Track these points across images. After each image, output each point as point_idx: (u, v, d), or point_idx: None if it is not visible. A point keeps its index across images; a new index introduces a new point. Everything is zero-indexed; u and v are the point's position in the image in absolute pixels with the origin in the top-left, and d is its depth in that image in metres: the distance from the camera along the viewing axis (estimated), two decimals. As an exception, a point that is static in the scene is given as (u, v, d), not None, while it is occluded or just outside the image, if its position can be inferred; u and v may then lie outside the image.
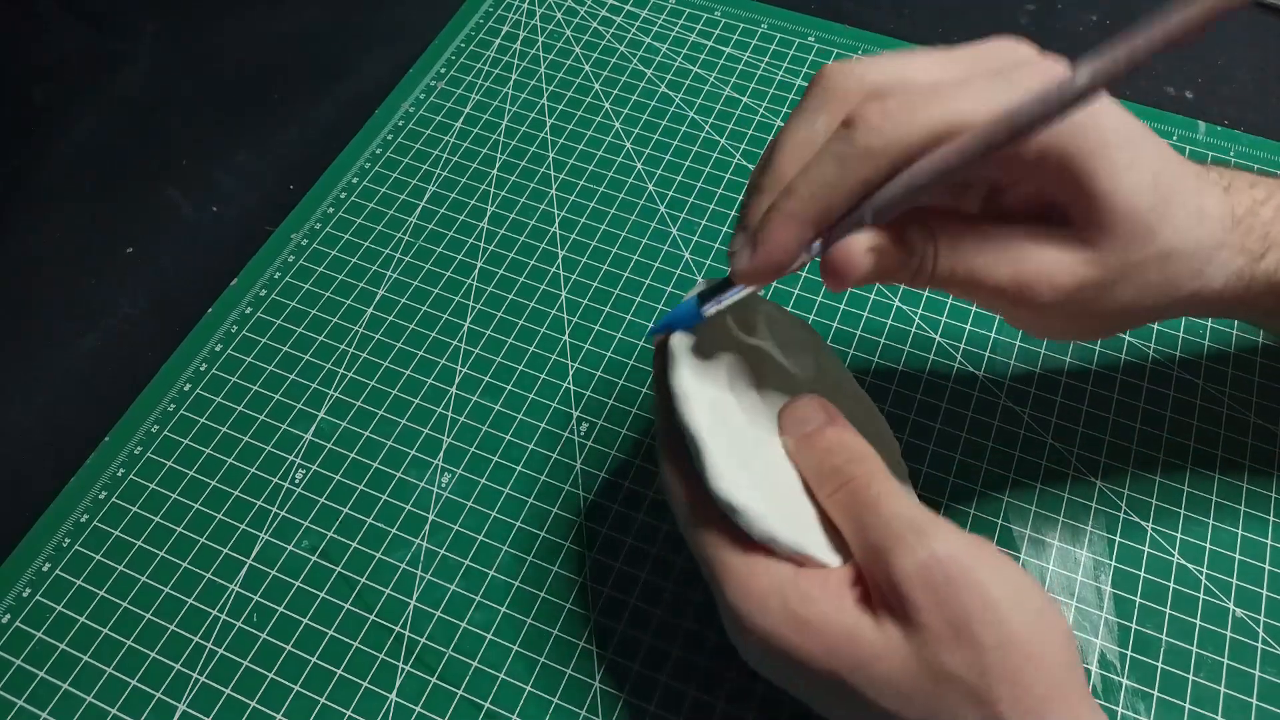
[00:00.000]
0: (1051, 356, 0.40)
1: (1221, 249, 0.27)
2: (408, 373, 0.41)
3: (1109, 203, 0.25)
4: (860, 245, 0.25)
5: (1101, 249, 0.26)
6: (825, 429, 0.28)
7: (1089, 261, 0.26)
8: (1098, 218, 0.25)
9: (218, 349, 0.42)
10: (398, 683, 0.34)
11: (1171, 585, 0.35)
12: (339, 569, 0.36)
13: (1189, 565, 0.36)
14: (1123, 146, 0.25)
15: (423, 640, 0.35)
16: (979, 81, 0.24)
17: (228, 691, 0.34)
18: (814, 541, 0.27)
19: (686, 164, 0.47)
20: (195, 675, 0.34)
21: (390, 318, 0.43)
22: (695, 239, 0.45)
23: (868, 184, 0.24)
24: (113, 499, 0.38)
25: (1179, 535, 0.36)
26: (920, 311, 0.42)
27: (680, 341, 0.29)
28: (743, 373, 0.30)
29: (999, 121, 0.23)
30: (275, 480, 0.39)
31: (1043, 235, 0.26)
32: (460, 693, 0.34)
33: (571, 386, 0.40)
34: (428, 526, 0.37)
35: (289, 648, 0.35)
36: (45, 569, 0.37)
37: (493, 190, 0.47)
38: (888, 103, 0.24)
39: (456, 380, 0.41)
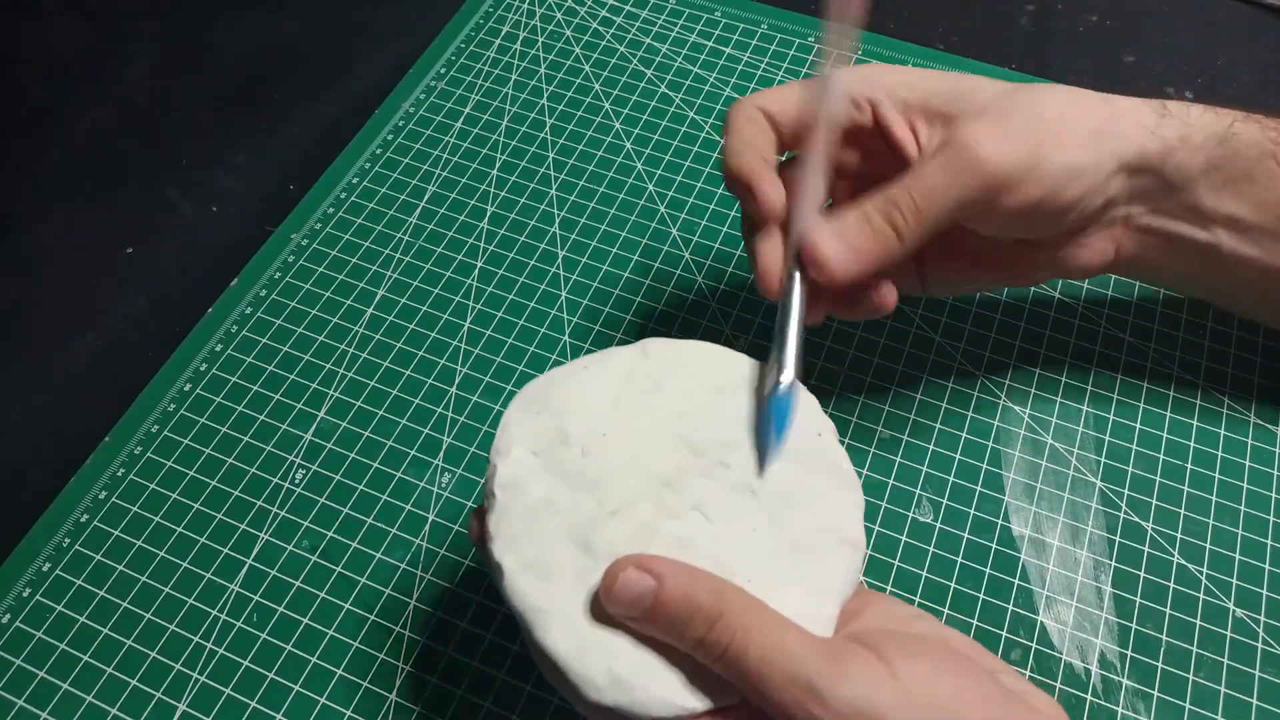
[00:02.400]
0: (1051, 357, 0.40)
1: (1127, 117, 0.34)
2: (408, 373, 0.41)
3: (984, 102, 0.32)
4: (825, 235, 0.30)
5: (1012, 124, 0.31)
6: (662, 599, 0.24)
7: (1011, 135, 0.31)
8: (988, 101, 0.32)
9: (218, 349, 0.42)
10: (398, 683, 0.34)
11: (1171, 585, 0.35)
12: (339, 569, 0.36)
13: (1189, 565, 0.36)
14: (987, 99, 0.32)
15: (422, 640, 0.35)
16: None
17: (228, 691, 0.34)
18: (682, 698, 0.24)
19: (686, 164, 0.47)
20: (195, 675, 0.34)
21: (390, 318, 0.43)
22: (695, 239, 0.45)
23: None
24: (113, 499, 0.38)
25: (1179, 535, 0.36)
26: (920, 312, 0.42)
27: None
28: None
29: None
30: (275, 480, 0.39)
31: (969, 130, 0.31)
32: (460, 693, 0.34)
33: (571, 386, 0.40)
34: (428, 526, 0.37)
35: (289, 648, 0.35)
36: (45, 569, 0.37)
37: (493, 190, 0.47)
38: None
39: (456, 380, 0.41)
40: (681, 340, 0.30)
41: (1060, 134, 0.32)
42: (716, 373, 0.29)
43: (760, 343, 0.41)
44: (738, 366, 0.29)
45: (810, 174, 0.31)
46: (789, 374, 0.28)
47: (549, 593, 0.25)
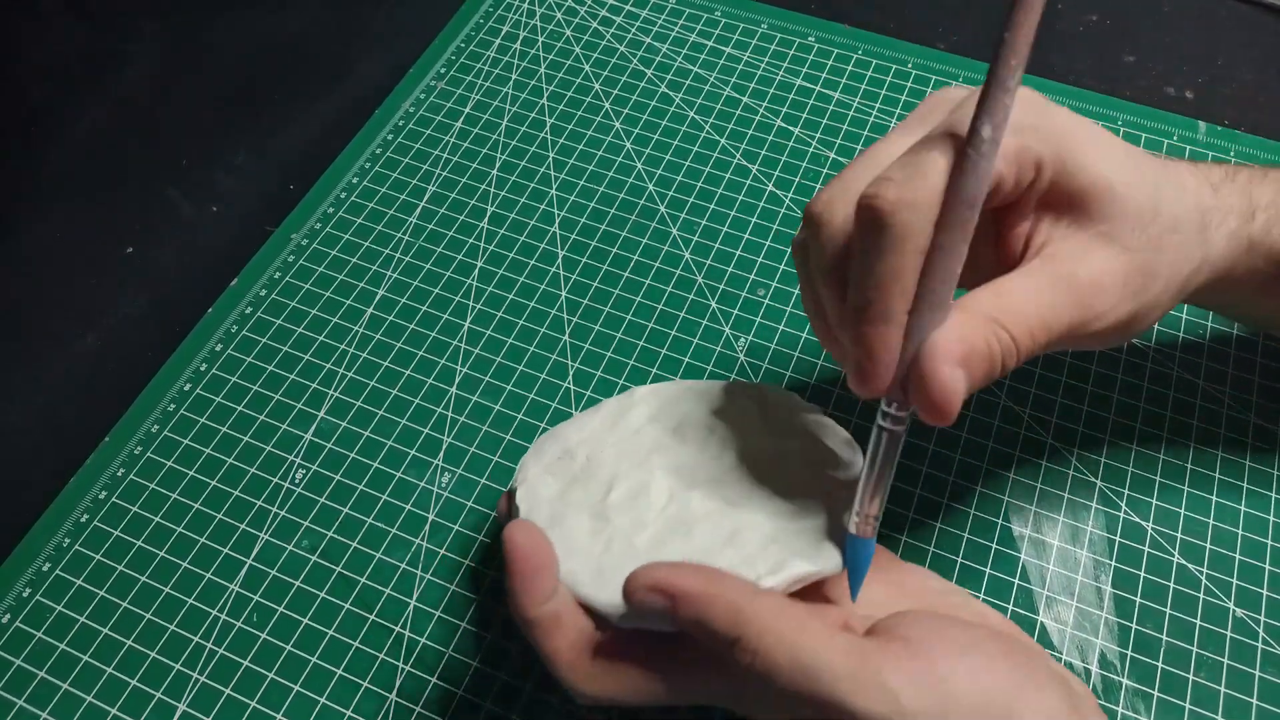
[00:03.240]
0: (1051, 357, 0.40)
1: (1212, 212, 0.29)
2: (408, 373, 0.41)
3: (1108, 184, 0.26)
4: (945, 370, 0.24)
5: (1121, 234, 0.26)
6: (678, 618, 0.24)
7: (1119, 252, 0.26)
8: (1105, 203, 0.26)
9: (218, 349, 0.42)
10: (398, 683, 0.34)
11: (1171, 585, 0.35)
12: (339, 569, 0.36)
13: (1189, 565, 0.36)
14: (1088, 136, 0.26)
15: (423, 640, 0.35)
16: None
17: (228, 691, 0.34)
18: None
19: (686, 164, 0.47)
20: (195, 675, 0.34)
21: (390, 318, 0.43)
22: (695, 239, 0.45)
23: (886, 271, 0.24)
24: (113, 499, 0.38)
25: (1179, 535, 0.36)
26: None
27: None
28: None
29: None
30: (275, 480, 0.39)
31: (1070, 250, 0.26)
32: (460, 693, 0.34)
33: (571, 386, 0.40)
34: (428, 526, 0.37)
35: (289, 648, 0.35)
36: (45, 569, 0.37)
37: (493, 190, 0.47)
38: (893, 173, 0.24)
39: (456, 380, 0.41)
40: (664, 384, 0.33)
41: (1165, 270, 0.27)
42: (702, 407, 0.32)
43: (760, 343, 0.41)
44: (725, 399, 0.32)
45: (940, 269, 0.24)
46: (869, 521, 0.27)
47: (570, 551, 0.28)
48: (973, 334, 0.24)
